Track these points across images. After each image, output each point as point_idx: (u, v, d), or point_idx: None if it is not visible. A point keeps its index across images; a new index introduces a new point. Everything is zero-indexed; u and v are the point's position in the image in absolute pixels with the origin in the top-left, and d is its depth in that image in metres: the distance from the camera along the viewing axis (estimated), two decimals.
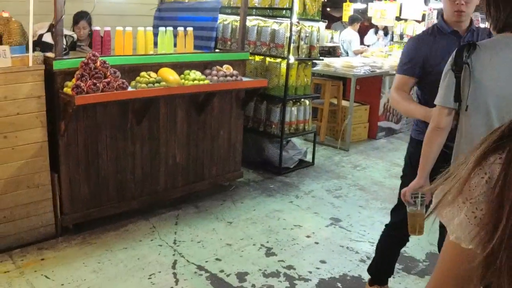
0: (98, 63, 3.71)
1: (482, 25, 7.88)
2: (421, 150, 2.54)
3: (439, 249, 3.35)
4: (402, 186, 3.07)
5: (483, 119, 2.22)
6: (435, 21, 8.04)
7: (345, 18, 10.00)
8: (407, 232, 3.14)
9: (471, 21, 2.86)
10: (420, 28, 9.45)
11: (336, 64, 7.28)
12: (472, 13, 2.83)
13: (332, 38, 10.36)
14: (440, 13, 3.00)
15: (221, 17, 5.94)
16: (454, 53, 2.28)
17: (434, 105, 2.67)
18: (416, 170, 2.85)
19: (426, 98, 2.83)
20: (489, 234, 0.78)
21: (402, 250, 3.89)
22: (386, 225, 3.28)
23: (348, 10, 9.88)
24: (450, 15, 2.79)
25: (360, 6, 10.37)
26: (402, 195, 2.65)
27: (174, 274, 3.55)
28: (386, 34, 10.07)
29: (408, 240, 3.24)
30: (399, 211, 3.10)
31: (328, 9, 17.40)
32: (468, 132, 2.29)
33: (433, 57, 2.80)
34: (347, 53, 9.32)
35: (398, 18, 9.57)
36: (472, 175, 0.84)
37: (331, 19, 13.51)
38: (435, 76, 2.72)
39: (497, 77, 2.18)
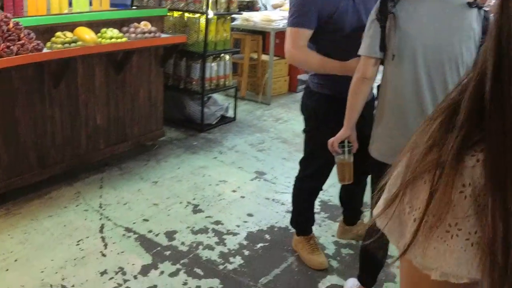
0: (11, 25, 3.53)
1: None
2: (347, 101, 2.55)
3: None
4: (310, 140, 3.18)
5: (409, 68, 2.27)
6: None
7: None
8: (322, 181, 3.28)
9: None
10: None
11: (255, 18, 7.25)
12: None
13: None
14: None
15: None
16: (378, 2, 2.30)
17: (340, 58, 2.73)
18: (323, 122, 2.95)
19: (324, 52, 2.83)
20: (493, 259, 0.62)
21: (327, 199, 4.09)
22: (296, 178, 3.36)
23: None
24: None
25: None
26: (329, 145, 2.69)
27: (103, 238, 3.53)
28: None
29: (321, 189, 3.35)
30: (311, 162, 3.20)
31: None
32: (394, 80, 2.34)
33: (328, 5, 2.75)
34: (265, 7, 9.29)
35: None
36: (449, 189, 0.65)
37: None
38: (332, 26, 2.78)
39: (423, 26, 2.23)
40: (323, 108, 2.97)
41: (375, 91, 2.66)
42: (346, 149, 2.69)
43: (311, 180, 3.26)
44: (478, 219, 0.63)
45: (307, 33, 2.79)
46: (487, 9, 2.30)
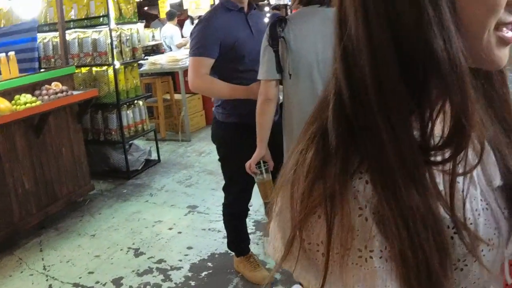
0: None
1: None
2: (256, 122, 2.69)
3: None
4: (225, 167, 3.37)
5: (306, 84, 2.48)
6: None
7: (162, 15, 10.15)
8: (244, 206, 3.45)
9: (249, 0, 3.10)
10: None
11: (161, 60, 7.46)
12: None
13: (153, 36, 10.49)
14: None
15: (40, 35, 5.86)
16: (267, 29, 2.50)
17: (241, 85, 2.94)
18: (235, 149, 3.13)
19: (225, 80, 3.01)
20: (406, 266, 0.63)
21: (260, 218, 4.27)
22: (223, 205, 3.53)
23: (164, 6, 10.05)
24: None
25: (175, 0, 10.53)
26: (247, 168, 2.83)
27: None
28: None
29: (248, 210, 3.53)
30: (231, 189, 3.40)
31: (145, 8, 17.40)
32: (295, 97, 2.53)
33: (228, 34, 2.94)
34: (170, 48, 9.50)
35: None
36: (347, 216, 0.64)
37: (150, 17, 13.58)
38: (232, 52, 2.97)
39: (311, 44, 2.44)
40: (231, 135, 3.16)
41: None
42: (263, 168, 2.85)
43: (236, 205, 3.44)
44: (383, 235, 0.63)
45: (209, 61, 2.95)
46: None
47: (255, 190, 3.32)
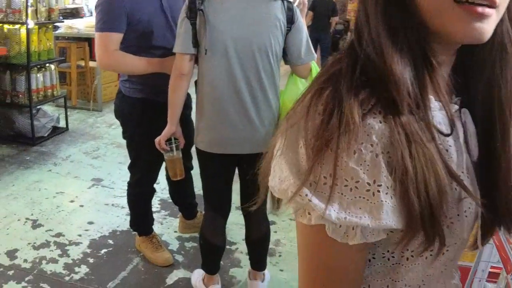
0: None
1: None
2: (168, 98, 2.61)
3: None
4: (131, 144, 3.24)
5: (222, 61, 2.43)
6: None
7: None
8: (150, 186, 3.38)
9: None
10: None
11: (78, 25, 7.17)
12: None
13: (74, 0, 10.03)
14: None
15: None
16: (187, 1, 2.41)
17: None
18: (143, 126, 3.04)
19: (134, 54, 2.88)
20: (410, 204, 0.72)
21: (166, 197, 4.21)
22: (128, 183, 3.43)
23: None
24: None
25: None
26: (157, 144, 2.77)
27: None
28: None
29: (155, 190, 3.48)
30: (137, 168, 3.31)
31: None
32: (209, 74, 2.48)
33: (135, 7, 2.80)
34: (91, 13, 9.13)
35: None
36: (359, 151, 0.71)
37: None
38: (139, 27, 2.84)
39: (231, 20, 2.39)
40: (138, 111, 3.04)
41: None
42: (174, 145, 2.81)
43: (142, 184, 3.36)
44: (390, 172, 0.70)
45: (118, 36, 2.79)
46: (290, 0, 2.54)
47: (162, 168, 3.28)
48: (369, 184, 0.70)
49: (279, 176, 0.78)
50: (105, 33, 2.78)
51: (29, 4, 5.38)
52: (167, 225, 4.00)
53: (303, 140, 0.74)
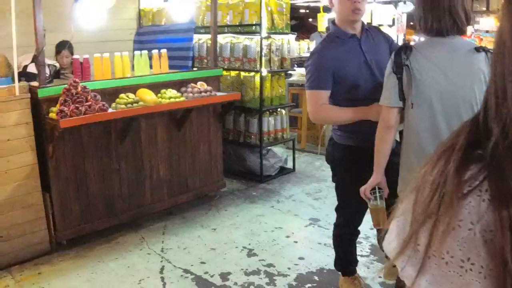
0: (79, 89, 4.00)
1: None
2: (375, 148, 2.69)
3: None
4: (339, 189, 3.32)
5: (428, 114, 2.43)
6: (404, 24, 8.36)
7: (320, 28, 10.25)
8: (353, 228, 3.41)
9: (362, 22, 3.06)
10: (391, 32, 9.73)
11: None
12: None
13: (309, 48, 10.60)
14: (331, 21, 3.14)
15: (196, 36, 6.27)
16: (392, 56, 2.49)
17: None
18: (348, 171, 3.11)
19: (342, 105, 3.00)
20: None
21: (376, 242, 4.19)
22: (334, 225, 3.51)
23: (322, 20, 10.11)
24: (347, 14, 2.92)
25: (333, 15, 10.57)
26: (362, 193, 2.81)
27: (162, 278, 3.83)
28: None
29: (359, 232, 3.49)
30: (342, 211, 3.38)
31: (310, 19, 17.70)
32: (415, 126, 2.49)
33: (340, 66, 2.93)
34: None
35: (369, 24, 9.77)
36: (457, 228, 0.70)
37: (314, 29, 13.72)
38: (346, 82, 2.95)
39: (436, 75, 2.40)
40: (347, 158, 3.14)
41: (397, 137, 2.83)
42: (378, 194, 2.80)
43: (346, 226, 3.43)
44: (488, 253, 0.68)
45: (325, 94, 2.97)
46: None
47: None
48: (462, 261, 0.70)
49: (388, 238, 0.82)
50: (314, 91, 3.00)
51: (263, 54, 5.89)
52: (373, 270, 3.96)
53: (412, 208, 0.76)
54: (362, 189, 2.81)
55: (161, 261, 4.10)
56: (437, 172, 0.74)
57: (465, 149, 0.73)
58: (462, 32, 2.45)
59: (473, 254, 0.68)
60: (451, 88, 2.39)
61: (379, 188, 2.80)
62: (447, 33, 2.41)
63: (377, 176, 2.75)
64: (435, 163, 0.76)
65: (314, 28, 14.32)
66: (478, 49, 2.41)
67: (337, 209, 3.46)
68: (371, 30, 3.12)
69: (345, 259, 3.59)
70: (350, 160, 3.13)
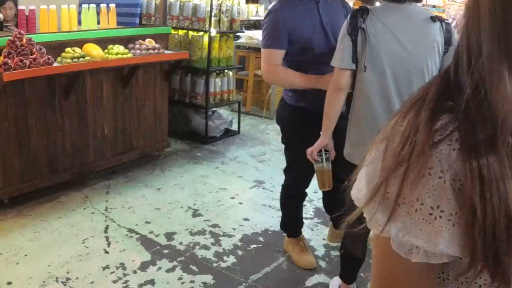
0: (24, 41, 3.85)
1: None
2: (324, 110, 2.70)
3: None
4: (288, 150, 3.38)
5: (378, 78, 2.46)
6: None
7: None
8: (301, 190, 3.48)
9: None
10: None
11: (259, 36, 7.51)
12: None
13: (257, 12, 10.52)
14: None
15: None
16: (348, 18, 2.48)
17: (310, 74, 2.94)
18: (299, 133, 3.13)
19: (296, 70, 3.03)
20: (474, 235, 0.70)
21: (321, 206, 4.26)
22: (282, 186, 3.56)
23: None
24: None
25: None
26: (308, 154, 2.83)
27: (106, 238, 3.80)
28: None
29: (306, 195, 3.56)
30: (290, 173, 3.43)
31: None
32: (365, 90, 2.52)
33: (296, 26, 2.94)
34: None
35: None
36: (427, 175, 0.73)
37: None
38: (300, 43, 2.98)
39: (390, 40, 2.42)
40: (297, 119, 3.17)
41: None
42: (324, 157, 2.84)
43: (294, 188, 3.49)
44: (458, 201, 0.71)
45: (280, 53, 2.99)
46: (448, 21, 2.53)
47: None
48: (432, 208, 0.72)
49: (357, 186, 0.84)
50: (269, 49, 3.01)
51: (213, 14, 5.82)
52: (317, 232, 4.06)
53: (382, 157, 0.78)
54: (309, 150, 2.84)
55: (105, 221, 4.06)
56: (407, 122, 0.76)
57: (436, 100, 0.75)
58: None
59: (442, 202, 0.71)
60: (404, 55, 2.42)
61: (325, 151, 2.83)
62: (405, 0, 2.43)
63: (324, 139, 2.77)
64: (405, 114, 0.78)
65: None
66: (434, 19, 2.44)
67: (285, 171, 3.50)
68: None
69: (291, 221, 3.66)
70: (300, 121, 3.16)
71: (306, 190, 3.53)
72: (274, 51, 2.99)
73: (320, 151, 2.83)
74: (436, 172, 0.71)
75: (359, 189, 0.82)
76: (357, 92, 2.58)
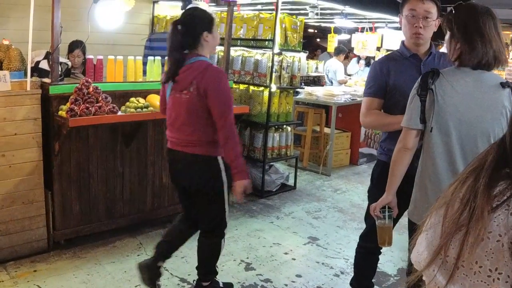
0: (91, 89, 4.00)
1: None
2: (390, 169, 2.71)
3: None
4: (368, 200, 3.31)
5: (444, 139, 2.46)
6: None
7: (330, 49, 10.32)
8: (372, 242, 3.41)
9: (431, 45, 3.09)
10: None
11: (318, 92, 7.60)
12: (430, 37, 3.05)
13: (317, 68, 10.67)
14: (402, 40, 3.21)
15: None
16: (419, 79, 2.51)
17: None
18: (378, 188, 3.06)
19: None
20: None
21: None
22: (360, 236, 3.50)
23: (332, 41, 10.19)
24: (408, 38, 3.03)
25: (344, 37, 10.64)
26: (371, 210, 2.84)
27: (158, 286, 3.79)
28: (368, 64, 10.30)
29: (380, 253, 3.46)
30: (367, 221, 3.37)
31: (318, 40, 17.82)
32: (431, 151, 2.51)
33: (396, 79, 3.03)
34: (331, 82, 9.62)
35: (379, 48, 9.86)
36: (486, 239, 0.77)
37: (322, 49, 13.81)
38: (397, 98, 3.01)
39: (458, 103, 2.42)
40: (377, 173, 3.23)
41: None
42: (387, 214, 2.82)
43: (370, 237, 3.36)
44: None
45: (378, 102, 3.11)
46: None
47: None
48: (490, 270, 0.74)
49: (417, 249, 0.87)
50: (368, 98, 3.15)
51: (274, 69, 5.91)
52: None
53: (442, 222, 0.82)
54: (372, 206, 2.84)
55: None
56: (466, 188, 0.81)
57: (494, 168, 0.79)
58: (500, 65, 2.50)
59: (500, 264, 0.73)
60: (471, 118, 2.41)
61: (389, 208, 2.81)
62: (488, 68, 2.44)
63: (388, 196, 2.77)
64: (465, 181, 0.83)
65: (320, 48, 14.42)
66: (503, 85, 2.44)
67: (364, 218, 3.47)
68: (439, 55, 3.12)
69: (364, 274, 3.54)
70: (380, 175, 3.15)
71: None
72: (372, 100, 3.12)
73: (384, 207, 2.80)
74: (495, 236, 0.74)
75: (420, 253, 0.86)
76: (424, 152, 2.58)
